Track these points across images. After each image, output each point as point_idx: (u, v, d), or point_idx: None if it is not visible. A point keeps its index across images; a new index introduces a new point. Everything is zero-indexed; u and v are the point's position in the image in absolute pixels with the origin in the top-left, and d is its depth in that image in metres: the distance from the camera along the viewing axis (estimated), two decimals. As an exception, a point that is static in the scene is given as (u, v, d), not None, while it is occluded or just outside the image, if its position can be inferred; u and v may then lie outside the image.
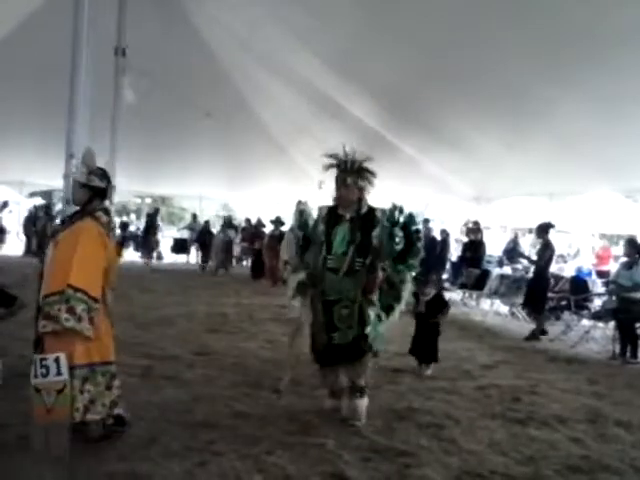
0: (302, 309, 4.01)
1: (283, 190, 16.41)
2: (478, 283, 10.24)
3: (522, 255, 11.04)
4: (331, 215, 3.99)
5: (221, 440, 3.44)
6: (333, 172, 3.97)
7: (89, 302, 3.09)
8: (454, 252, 14.04)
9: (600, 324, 7.55)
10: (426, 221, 12.90)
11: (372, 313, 3.86)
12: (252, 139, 14.66)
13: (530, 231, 14.52)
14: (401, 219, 3.96)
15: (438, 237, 13.08)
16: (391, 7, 7.61)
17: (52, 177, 10.05)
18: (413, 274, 4.10)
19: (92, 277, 3.16)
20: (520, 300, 8.77)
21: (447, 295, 7.51)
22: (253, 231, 15.00)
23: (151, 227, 15.97)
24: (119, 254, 7.09)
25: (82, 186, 3.36)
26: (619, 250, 13.16)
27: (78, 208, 3.43)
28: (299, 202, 5.25)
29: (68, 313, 3.02)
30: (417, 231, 4.06)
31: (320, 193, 11.23)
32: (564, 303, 8.61)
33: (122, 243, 12.43)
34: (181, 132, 14.40)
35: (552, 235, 8.19)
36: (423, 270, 4.50)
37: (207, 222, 16.62)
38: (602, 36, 6.19)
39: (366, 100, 10.76)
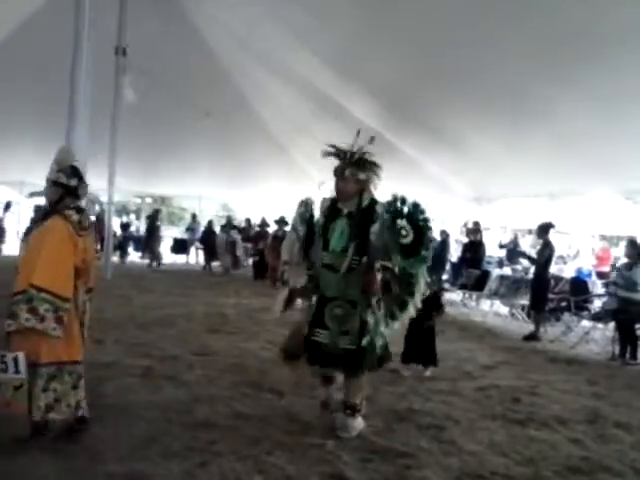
0: (303, 310, 3.91)
1: (283, 190, 16.34)
2: (478, 284, 10.23)
3: (523, 254, 11.03)
4: (331, 209, 3.74)
5: (221, 440, 3.44)
6: (332, 172, 3.78)
7: (56, 302, 3.06)
8: (454, 253, 14.02)
9: (600, 325, 7.55)
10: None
11: (371, 320, 3.57)
12: (252, 138, 14.62)
13: (530, 232, 14.50)
14: (405, 209, 3.62)
15: (438, 238, 13.07)
16: (390, 6, 7.61)
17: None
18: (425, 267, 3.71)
19: (59, 277, 3.12)
20: (520, 301, 8.75)
21: (447, 296, 7.50)
22: (257, 231, 14.98)
23: (152, 229, 15.96)
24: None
25: (52, 184, 3.32)
26: (619, 251, 13.16)
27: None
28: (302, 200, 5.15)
29: (29, 313, 3.00)
30: (425, 220, 3.64)
31: (320, 194, 11.19)
32: (564, 304, 8.61)
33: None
34: (180, 131, 14.39)
35: (552, 236, 8.19)
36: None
37: (210, 222, 16.58)
38: (600, 35, 6.18)
39: (365, 99, 10.75)
